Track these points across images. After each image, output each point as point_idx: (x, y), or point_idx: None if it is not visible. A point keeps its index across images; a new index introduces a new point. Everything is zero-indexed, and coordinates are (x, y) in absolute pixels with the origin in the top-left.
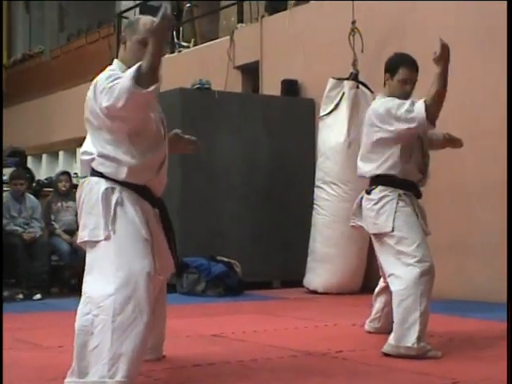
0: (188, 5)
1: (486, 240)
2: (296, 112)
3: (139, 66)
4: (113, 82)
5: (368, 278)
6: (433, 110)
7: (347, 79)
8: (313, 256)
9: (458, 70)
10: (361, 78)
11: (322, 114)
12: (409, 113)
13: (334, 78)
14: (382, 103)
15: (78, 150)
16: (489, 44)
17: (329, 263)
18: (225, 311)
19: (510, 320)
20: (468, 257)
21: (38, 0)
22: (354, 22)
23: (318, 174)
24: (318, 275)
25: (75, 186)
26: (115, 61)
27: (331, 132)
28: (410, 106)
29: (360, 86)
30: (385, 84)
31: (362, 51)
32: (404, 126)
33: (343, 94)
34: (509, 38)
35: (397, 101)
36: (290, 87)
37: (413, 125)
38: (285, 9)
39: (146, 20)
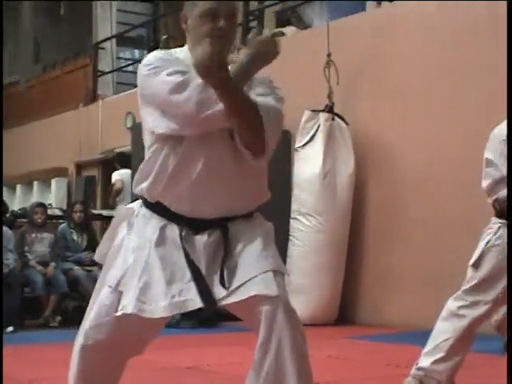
0: (164, 36)
1: (461, 271)
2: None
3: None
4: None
5: (343, 309)
6: None
7: (323, 111)
8: (288, 287)
9: (435, 105)
10: (336, 110)
11: (297, 145)
12: None
13: (309, 110)
14: None
15: (53, 180)
16: (460, 75)
17: (304, 294)
18: (200, 343)
19: (510, 319)
20: (444, 288)
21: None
22: (329, 55)
23: (294, 206)
24: (293, 306)
25: (50, 218)
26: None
27: (307, 163)
28: None
29: (335, 118)
30: None
31: (338, 83)
32: None
33: (319, 125)
34: (509, 38)
35: None
36: None
37: None
38: None
39: None
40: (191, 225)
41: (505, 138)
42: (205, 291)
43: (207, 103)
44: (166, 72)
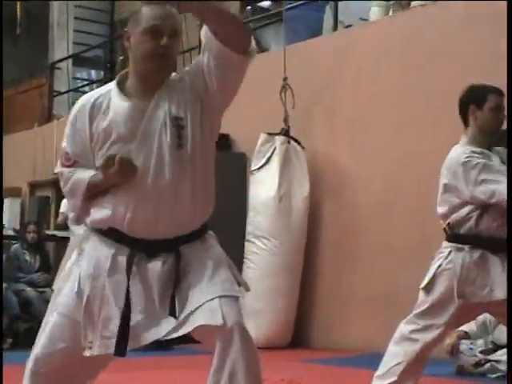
0: (121, 57)
1: (415, 295)
2: (227, 166)
3: None
4: None
5: (297, 332)
6: None
7: (278, 134)
8: (242, 310)
9: (390, 130)
10: (292, 133)
11: (253, 168)
12: None
13: (265, 133)
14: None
15: (6, 200)
16: (416, 100)
17: (258, 317)
18: (152, 365)
19: (510, 319)
20: (398, 311)
21: None
22: (285, 79)
23: (249, 228)
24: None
25: (3, 238)
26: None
27: (262, 186)
28: None
29: (291, 141)
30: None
31: (294, 107)
32: None
33: (274, 149)
34: (509, 38)
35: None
36: (222, 141)
37: None
38: None
39: (152, 5)
40: (144, 248)
41: (464, 159)
42: (124, 337)
43: None
44: None
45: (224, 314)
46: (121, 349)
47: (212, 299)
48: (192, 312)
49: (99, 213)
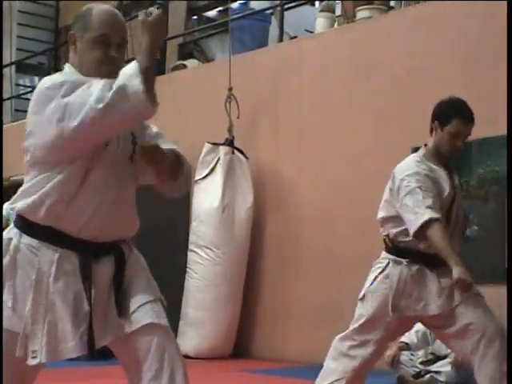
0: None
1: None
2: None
3: (141, 65)
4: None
5: (239, 342)
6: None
7: (223, 144)
8: (185, 320)
9: (333, 142)
10: (236, 143)
11: (197, 178)
12: None
13: (209, 142)
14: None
15: None
16: (358, 113)
17: (200, 327)
18: (93, 375)
19: (510, 319)
20: (338, 323)
21: None
22: (230, 89)
23: (192, 238)
24: (189, 339)
25: None
26: (66, 65)
27: (206, 196)
28: None
29: (235, 151)
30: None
31: (238, 117)
32: None
33: (218, 159)
34: (509, 38)
35: None
36: None
37: None
38: (163, 72)
39: (101, 11)
40: (92, 250)
41: (404, 177)
42: (91, 337)
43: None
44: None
45: (163, 315)
46: (89, 352)
47: (153, 300)
48: (135, 311)
49: (50, 212)
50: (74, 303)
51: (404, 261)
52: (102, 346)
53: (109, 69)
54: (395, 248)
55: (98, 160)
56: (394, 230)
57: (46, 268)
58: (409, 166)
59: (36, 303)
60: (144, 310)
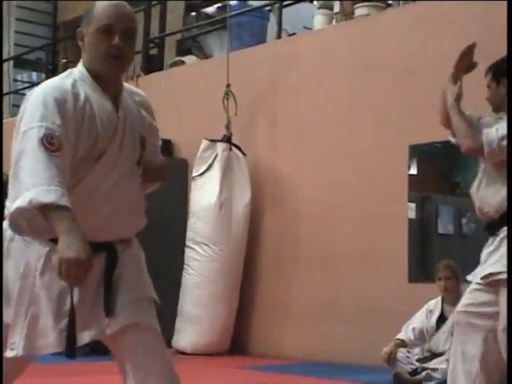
0: (64, 60)
1: (353, 305)
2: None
3: None
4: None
5: (236, 339)
6: None
7: (220, 141)
8: (182, 317)
9: (331, 139)
10: (234, 140)
11: (194, 174)
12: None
13: (207, 139)
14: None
15: None
16: (357, 111)
17: (197, 324)
18: (90, 371)
19: (510, 319)
20: (335, 321)
21: None
22: (228, 86)
23: (189, 234)
24: (186, 336)
25: None
26: (78, 66)
27: (203, 193)
28: None
29: (233, 148)
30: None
31: (236, 114)
32: None
33: (216, 155)
34: (509, 38)
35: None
36: (164, 147)
37: None
38: (161, 69)
39: (105, 4)
40: None
41: None
42: (71, 333)
43: None
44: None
45: (149, 314)
46: (70, 350)
47: (142, 298)
48: (124, 309)
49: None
50: (58, 299)
51: None
52: (85, 343)
53: (114, 63)
54: None
55: (97, 165)
56: None
57: (34, 261)
58: None
59: (21, 295)
60: (130, 308)
